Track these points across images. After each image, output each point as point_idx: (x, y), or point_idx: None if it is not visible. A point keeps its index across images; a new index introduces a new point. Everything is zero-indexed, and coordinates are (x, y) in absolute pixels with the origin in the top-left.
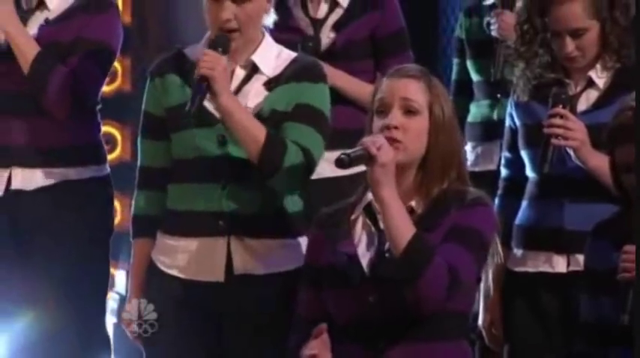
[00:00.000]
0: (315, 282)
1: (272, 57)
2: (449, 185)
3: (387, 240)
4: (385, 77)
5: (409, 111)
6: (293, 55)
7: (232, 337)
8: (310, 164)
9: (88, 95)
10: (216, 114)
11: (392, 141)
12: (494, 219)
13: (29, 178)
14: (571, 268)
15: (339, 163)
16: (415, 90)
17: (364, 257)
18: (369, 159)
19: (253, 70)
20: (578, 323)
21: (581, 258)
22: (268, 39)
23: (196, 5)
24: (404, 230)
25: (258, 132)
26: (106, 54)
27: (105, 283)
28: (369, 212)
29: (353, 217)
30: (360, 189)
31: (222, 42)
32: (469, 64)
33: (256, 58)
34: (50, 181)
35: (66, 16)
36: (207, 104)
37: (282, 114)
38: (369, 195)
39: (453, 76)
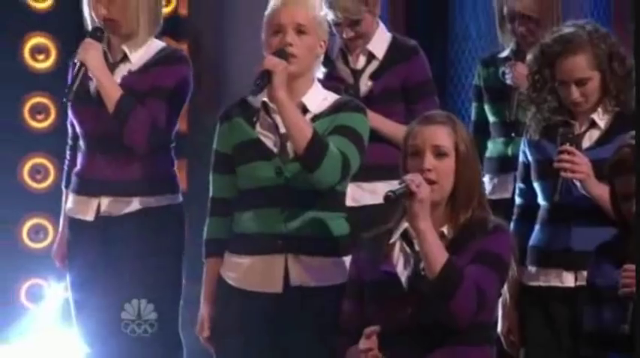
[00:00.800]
0: (357, 296)
1: (319, 99)
2: (473, 212)
3: (423, 264)
4: (416, 123)
5: (439, 154)
6: (337, 96)
7: (290, 340)
8: (346, 168)
9: (161, 132)
10: (274, 150)
11: (428, 182)
12: (512, 243)
13: (116, 206)
14: (578, 283)
15: (387, 199)
16: (443, 136)
17: (402, 275)
18: (409, 194)
19: (304, 110)
20: (584, 331)
21: (586, 274)
22: (318, 86)
23: (242, 58)
24: (438, 256)
25: (307, 129)
26: (177, 99)
27: (179, 293)
28: (405, 237)
29: (391, 241)
30: (396, 217)
31: (283, 53)
32: (487, 107)
33: (306, 100)
34: (133, 208)
35: (146, 67)
36: (266, 140)
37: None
38: (405, 223)
39: (472, 118)
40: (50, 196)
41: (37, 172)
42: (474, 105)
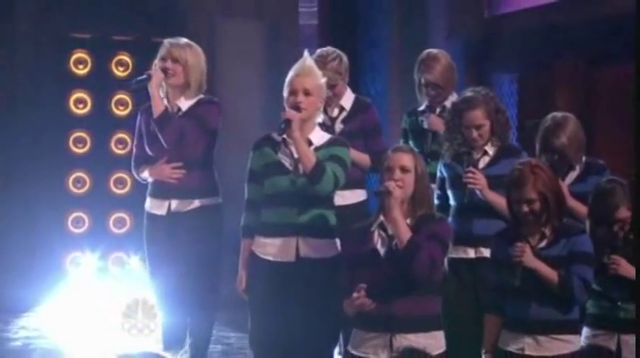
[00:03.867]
0: (349, 265)
1: (319, 136)
2: (425, 210)
3: (395, 239)
4: (390, 151)
5: (404, 170)
6: (330, 135)
7: (300, 293)
8: (337, 183)
9: (190, 141)
10: (290, 169)
11: (398, 185)
12: (451, 228)
13: (182, 205)
14: (477, 255)
15: (377, 194)
16: (408, 160)
17: (381, 250)
18: (388, 193)
19: (309, 143)
20: (487, 287)
21: (483, 249)
22: (317, 128)
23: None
24: (405, 234)
25: (312, 157)
26: (203, 122)
27: (220, 258)
28: (382, 226)
29: (372, 230)
30: (375, 215)
31: (296, 107)
32: (410, 143)
33: (311, 137)
34: (194, 206)
35: (187, 110)
36: (284, 162)
37: (322, 161)
38: (381, 217)
39: None
40: (86, 198)
41: (78, 182)
42: (401, 141)
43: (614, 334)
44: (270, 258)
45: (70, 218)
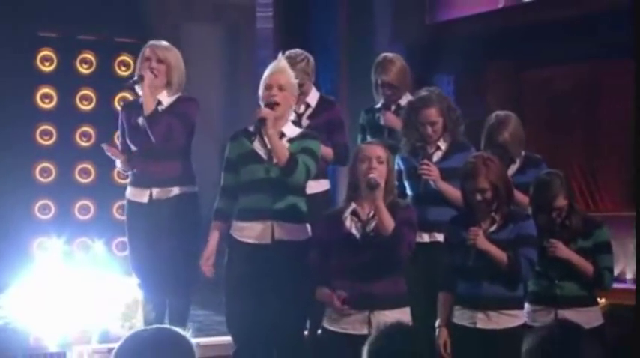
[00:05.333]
0: (321, 250)
1: (292, 130)
2: (391, 197)
3: (379, 226)
4: (364, 144)
5: (379, 161)
6: (301, 129)
7: (274, 272)
8: (309, 174)
9: (175, 136)
10: (265, 158)
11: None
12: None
13: (163, 193)
14: (431, 239)
15: (370, 187)
16: (381, 151)
17: (357, 234)
18: (377, 185)
19: (282, 135)
20: (443, 269)
21: (437, 234)
22: (290, 122)
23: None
24: (389, 222)
25: (285, 152)
26: (186, 119)
27: (200, 233)
28: (354, 213)
29: (344, 216)
30: (344, 201)
31: (270, 103)
32: (368, 138)
33: (284, 129)
34: (174, 194)
35: (169, 106)
36: (260, 152)
37: (295, 153)
38: (353, 204)
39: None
40: (52, 187)
41: (45, 172)
42: (360, 136)
43: (552, 309)
44: (249, 241)
45: (37, 205)
